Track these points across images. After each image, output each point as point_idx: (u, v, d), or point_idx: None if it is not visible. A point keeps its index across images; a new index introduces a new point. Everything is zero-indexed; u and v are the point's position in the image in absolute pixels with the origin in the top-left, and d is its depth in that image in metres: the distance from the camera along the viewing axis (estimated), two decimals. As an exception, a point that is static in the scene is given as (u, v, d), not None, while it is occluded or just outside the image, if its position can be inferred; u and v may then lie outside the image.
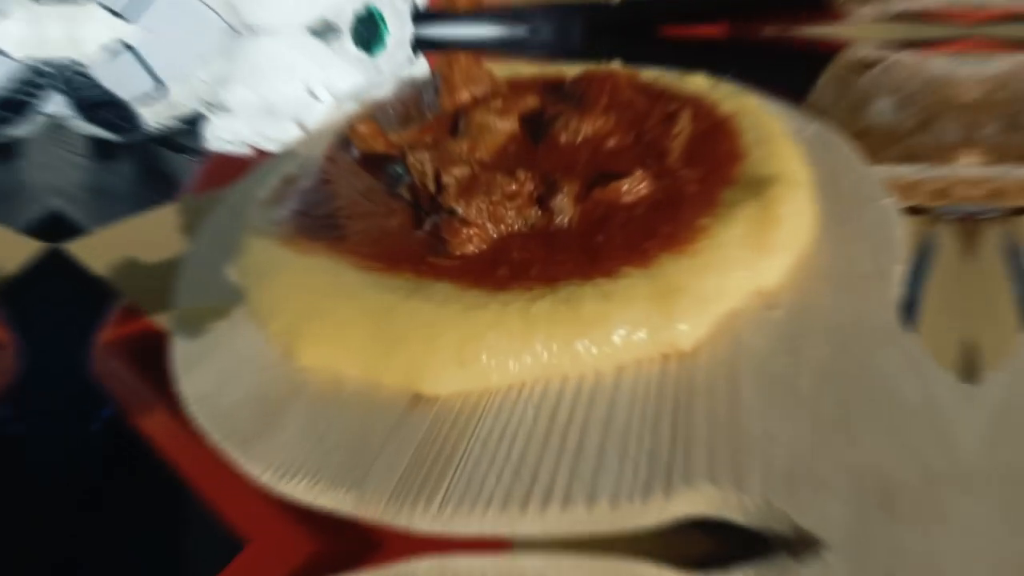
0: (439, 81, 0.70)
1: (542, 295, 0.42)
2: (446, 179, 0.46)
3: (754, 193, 0.47)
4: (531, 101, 0.65)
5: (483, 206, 0.46)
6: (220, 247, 0.56)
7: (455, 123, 0.62)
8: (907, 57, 0.58)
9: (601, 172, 0.51)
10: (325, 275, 0.47)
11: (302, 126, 0.79)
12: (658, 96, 0.64)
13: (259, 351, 0.46)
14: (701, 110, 0.61)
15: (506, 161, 0.56)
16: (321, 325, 0.44)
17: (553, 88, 0.72)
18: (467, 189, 0.46)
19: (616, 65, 0.75)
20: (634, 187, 0.48)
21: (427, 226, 0.48)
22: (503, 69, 0.79)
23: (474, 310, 0.42)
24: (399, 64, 0.87)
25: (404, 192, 0.51)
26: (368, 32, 1.06)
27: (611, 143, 0.55)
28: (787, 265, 0.45)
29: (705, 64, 0.95)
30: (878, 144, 0.60)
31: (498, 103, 0.63)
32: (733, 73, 0.89)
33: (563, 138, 0.56)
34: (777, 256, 0.45)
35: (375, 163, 0.60)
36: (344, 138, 0.64)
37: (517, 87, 0.74)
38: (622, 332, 0.40)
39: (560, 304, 0.41)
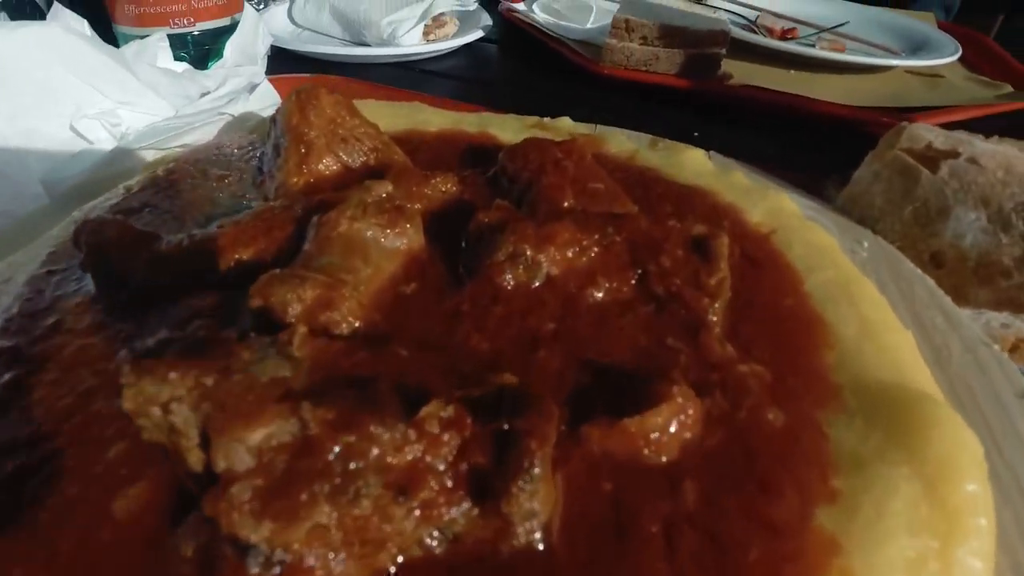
0: (282, 134, 0.40)
1: None
2: (227, 451, 0.17)
3: (893, 437, 0.23)
4: (445, 186, 0.37)
5: (330, 520, 0.17)
6: None
7: (303, 223, 0.32)
8: (994, 149, 0.38)
9: (599, 374, 0.25)
10: None
11: (50, 189, 0.45)
12: (648, 188, 0.40)
13: None
14: (717, 216, 0.36)
15: (396, 324, 0.27)
16: None
17: (479, 154, 0.45)
18: (283, 486, 0.17)
19: (567, 124, 0.50)
20: (670, 423, 0.22)
21: (190, 546, 0.19)
22: (393, 114, 0.50)
23: None
24: (235, 89, 0.55)
25: (152, 428, 0.21)
26: (203, 37, 0.72)
27: (598, 291, 0.29)
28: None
29: (663, 121, 0.73)
30: (962, 277, 0.39)
31: (384, 190, 0.35)
32: (703, 138, 0.68)
33: (509, 278, 0.29)
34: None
35: (125, 315, 0.28)
36: (78, 245, 0.32)
37: (420, 151, 0.45)
38: None
39: None
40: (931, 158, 0.40)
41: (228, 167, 0.41)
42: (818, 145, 0.64)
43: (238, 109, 0.51)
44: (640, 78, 0.70)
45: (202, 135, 0.49)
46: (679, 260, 0.28)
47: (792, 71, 0.79)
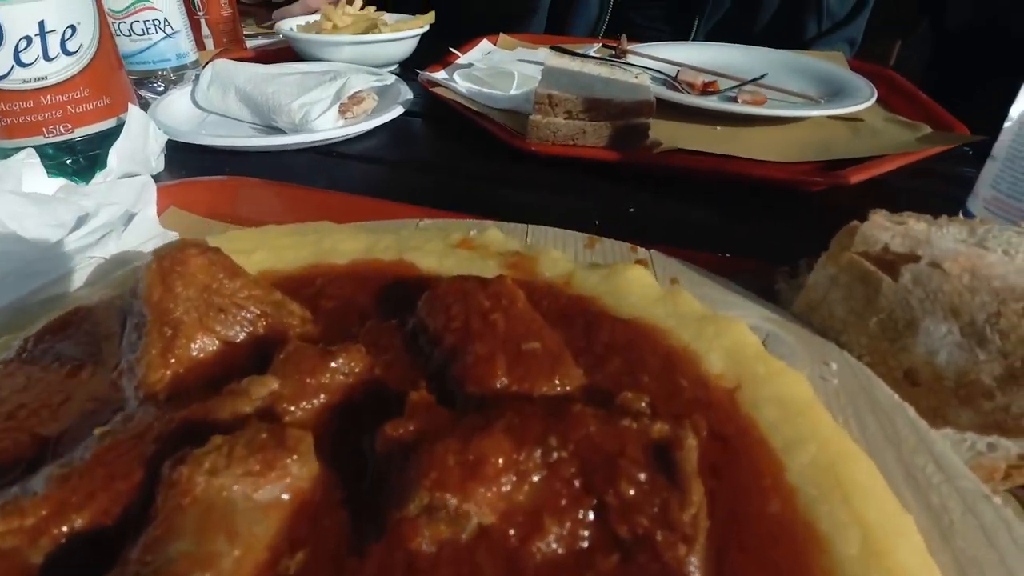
0: (142, 311, 0.32)
1: None
2: None
3: None
4: (349, 365, 0.29)
5: None
6: None
7: (159, 460, 0.24)
8: (955, 249, 0.34)
9: None
10: None
11: None
12: (591, 332, 0.33)
13: None
14: (673, 372, 0.30)
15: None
16: None
17: (396, 294, 0.37)
18: None
19: (496, 240, 0.42)
20: None
21: None
22: (296, 244, 0.41)
23: None
24: (110, 220, 0.45)
25: None
26: (86, 145, 0.61)
27: (547, 541, 0.21)
28: None
29: (596, 194, 0.67)
30: (941, 398, 0.34)
31: (268, 390, 0.26)
32: (638, 213, 0.62)
33: (427, 541, 0.21)
34: None
35: None
36: None
37: (326, 295, 0.37)
38: None
39: None
40: (890, 262, 0.35)
41: (80, 352, 0.31)
42: (754, 207, 0.60)
43: (110, 250, 0.42)
44: (568, 152, 0.64)
45: (65, 287, 0.40)
46: (641, 485, 0.21)
47: (718, 127, 0.75)
